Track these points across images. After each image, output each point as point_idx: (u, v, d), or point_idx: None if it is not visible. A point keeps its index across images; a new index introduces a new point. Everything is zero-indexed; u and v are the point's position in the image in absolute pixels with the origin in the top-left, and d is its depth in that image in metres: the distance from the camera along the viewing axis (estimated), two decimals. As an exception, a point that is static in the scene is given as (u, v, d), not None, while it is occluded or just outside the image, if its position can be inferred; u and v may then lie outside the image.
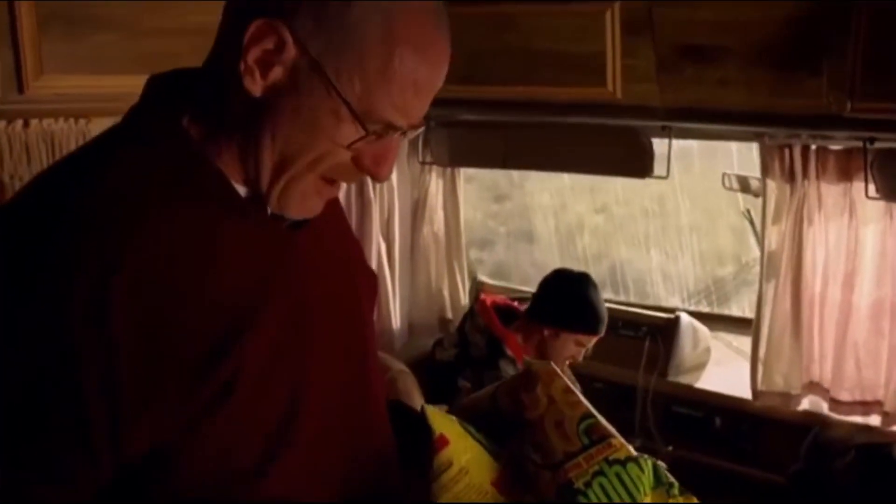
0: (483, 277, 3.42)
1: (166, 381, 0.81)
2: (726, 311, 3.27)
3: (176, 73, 0.94)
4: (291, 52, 0.82)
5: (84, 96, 1.88)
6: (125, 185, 0.84)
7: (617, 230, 3.77)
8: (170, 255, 0.83)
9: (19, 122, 1.94)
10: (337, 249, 1.06)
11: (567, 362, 2.52)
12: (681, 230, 3.30)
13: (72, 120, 1.99)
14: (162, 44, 1.95)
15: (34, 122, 1.95)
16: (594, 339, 2.53)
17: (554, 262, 3.74)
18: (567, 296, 2.52)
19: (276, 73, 0.83)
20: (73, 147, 1.98)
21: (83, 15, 1.85)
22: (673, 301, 3.36)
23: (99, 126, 1.95)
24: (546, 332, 2.49)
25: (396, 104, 0.85)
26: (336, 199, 1.05)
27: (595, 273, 2.70)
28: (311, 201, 0.92)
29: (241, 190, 0.91)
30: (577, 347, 2.50)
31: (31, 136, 1.97)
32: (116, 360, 0.79)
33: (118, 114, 2.06)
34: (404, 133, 0.89)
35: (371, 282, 1.16)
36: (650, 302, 3.36)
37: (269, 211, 0.93)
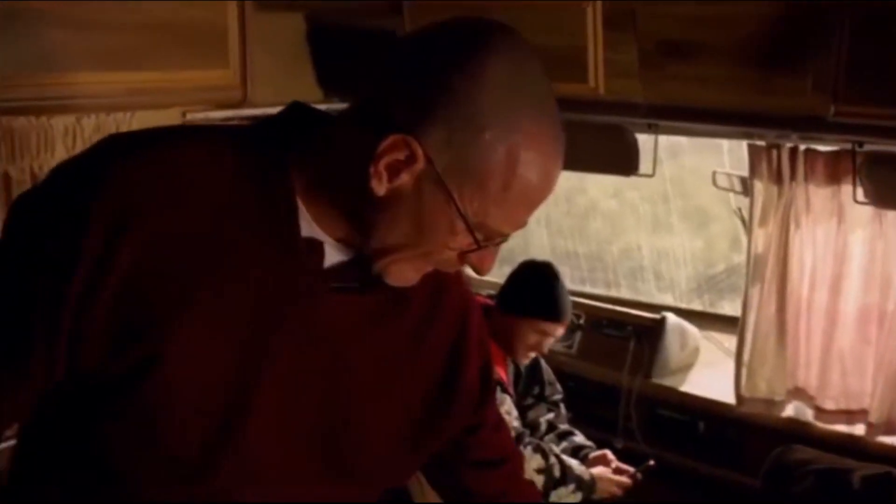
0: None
1: (130, 319, 0.87)
2: (719, 310, 3.18)
3: (301, 108, 0.98)
4: (420, 164, 0.87)
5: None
6: (198, 166, 0.90)
7: (624, 216, 3.65)
8: (190, 232, 0.88)
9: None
10: (406, 336, 1.04)
11: (531, 353, 2.50)
12: (671, 226, 3.21)
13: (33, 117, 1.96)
14: (118, 39, 1.89)
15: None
16: (555, 328, 2.48)
17: (564, 247, 3.66)
18: (529, 284, 2.54)
19: (403, 179, 0.87)
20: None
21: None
22: (665, 298, 3.28)
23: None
24: (509, 321, 2.47)
25: (510, 220, 0.91)
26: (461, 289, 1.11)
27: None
28: (409, 276, 0.96)
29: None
30: (537, 336, 2.47)
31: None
32: (107, 284, 0.85)
33: (68, 112, 2.00)
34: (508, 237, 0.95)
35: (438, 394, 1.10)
36: (642, 298, 3.28)
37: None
